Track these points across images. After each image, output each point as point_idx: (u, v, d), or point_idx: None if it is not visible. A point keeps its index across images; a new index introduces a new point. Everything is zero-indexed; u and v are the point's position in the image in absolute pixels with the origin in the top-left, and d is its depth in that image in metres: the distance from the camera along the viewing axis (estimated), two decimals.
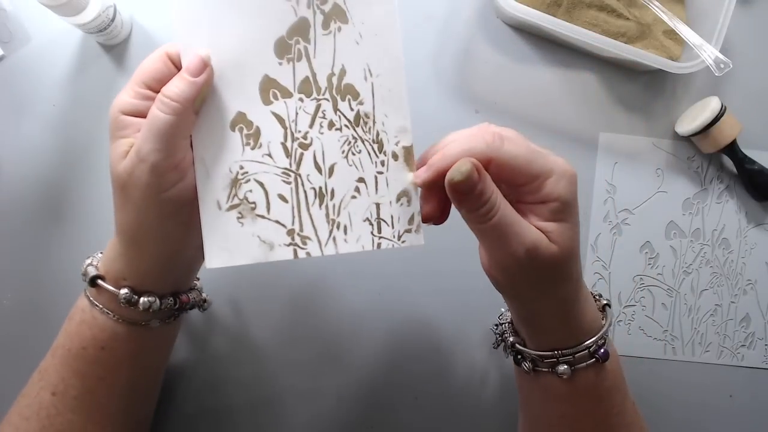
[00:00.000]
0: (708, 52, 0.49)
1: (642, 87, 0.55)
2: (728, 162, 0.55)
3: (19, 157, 0.51)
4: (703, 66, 0.49)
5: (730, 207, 0.55)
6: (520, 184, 0.33)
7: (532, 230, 0.32)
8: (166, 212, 0.34)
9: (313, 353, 0.51)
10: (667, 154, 0.55)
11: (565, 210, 0.33)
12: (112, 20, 0.49)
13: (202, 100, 0.34)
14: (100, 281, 0.37)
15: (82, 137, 0.51)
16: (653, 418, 0.43)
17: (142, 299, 0.36)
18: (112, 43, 0.52)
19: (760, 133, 0.55)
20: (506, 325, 0.44)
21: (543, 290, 0.35)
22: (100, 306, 0.37)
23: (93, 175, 0.51)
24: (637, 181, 0.55)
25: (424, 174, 0.33)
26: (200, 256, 0.38)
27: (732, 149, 0.53)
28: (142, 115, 0.33)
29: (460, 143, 0.32)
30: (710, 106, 0.52)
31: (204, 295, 0.45)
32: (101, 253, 0.39)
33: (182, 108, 0.32)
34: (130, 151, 0.33)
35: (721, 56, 0.49)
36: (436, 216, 0.36)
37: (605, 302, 0.40)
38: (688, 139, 0.55)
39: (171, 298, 0.39)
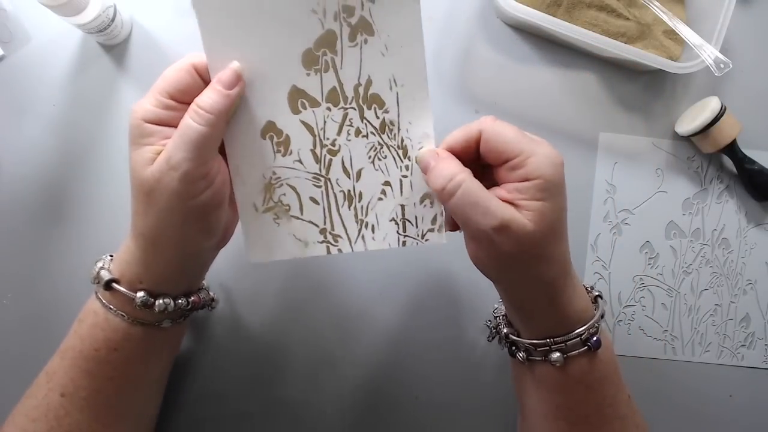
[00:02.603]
0: (708, 52, 0.49)
1: (642, 87, 0.55)
2: (728, 162, 0.55)
3: (19, 157, 0.51)
4: (703, 66, 0.49)
5: (730, 207, 0.55)
6: (504, 160, 0.35)
7: (503, 209, 0.34)
8: (191, 218, 0.35)
9: (313, 354, 0.51)
10: (667, 154, 0.55)
11: (547, 189, 0.34)
12: (112, 20, 0.49)
13: (233, 112, 0.35)
14: (115, 285, 0.37)
15: (83, 137, 0.51)
16: (653, 417, 0.43)
17: (158, 301, 0.37)
18: (112, 43, 0.52)
19: (760, 133, 0.55)
20: (500, 317, 0.44)
21: (523, 271, 0.35)
22: (114, 309, 0.37)
23: (93, 175, 0.51)
24: (637, 181, 0.55)
25: (438, 148, 0.38)
26: (212, 258, 0.40)
27: (732, 149, 0.53)
28: (165, 123, 0.34)
29: (463, 126, 0.37)
30: (710, 106, 0.52)
31: (212, 294, 0.46)
32: (110, 255, 0.39)
33: (216, 120, 0.33)
34: (156, 158, 0.33)
35: (721, 56, 0.49)
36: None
37: (597, 293, 0.41)
38: (688, 139, 0.55)
39: (183, 299, 0.39)
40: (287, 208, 0.37)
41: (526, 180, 0.34)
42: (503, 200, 0.34)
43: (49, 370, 0.39)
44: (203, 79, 0.34)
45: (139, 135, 0.34)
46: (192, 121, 0.33)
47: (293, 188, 0.37)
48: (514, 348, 0.41)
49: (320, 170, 0.37)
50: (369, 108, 0.37)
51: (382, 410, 0.51)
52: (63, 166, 0.51)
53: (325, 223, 0.38)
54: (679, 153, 0.55)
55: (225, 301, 0.51)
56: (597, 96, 0.55)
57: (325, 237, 0.38)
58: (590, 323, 0.37)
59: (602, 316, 0.38)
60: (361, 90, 0.36)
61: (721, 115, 0.51)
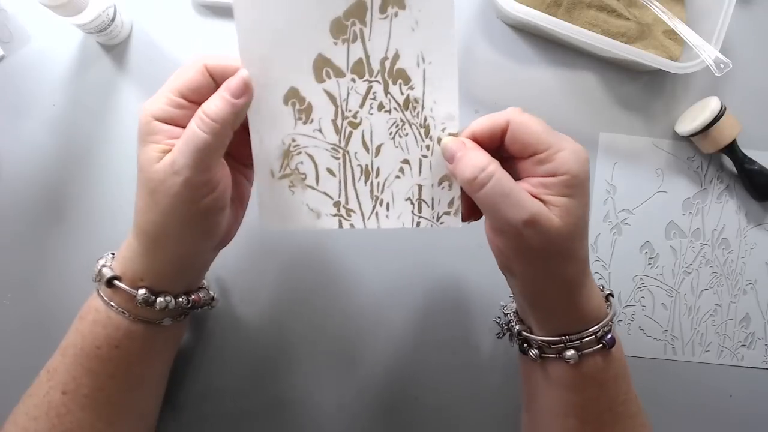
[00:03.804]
0: (708, 52, 0.49)
1: (642, 87, 0.55)
2: (728, 162, 0.55)
3: (19, 157, 0.51)
4: (703, 66, 0.49)
5: (730, 207, 0.55)
6: (531, 153, 0.34)
7: (533, 202, 0.33)
8: (192, 220, 0.35)
9: (313, 353, 0.51)
10: (667, 154, 0.55)
11: (574, 185, 0.33)
12: (112, 20, 0.49)
13: (240, 119, 0.35)
14: (116, 282, 0.37)
15: (83, 137, 0.51)
16: (653, 417, 0.43)
17: (158, 299, 0.37)
18: (112, 43, 0.52)
19: (760, 133, 0.55)
20: (511, 314, 0.44)
21: (546, 267, 0.35)
22: (116, 306, 0.37)
23: (93, 175, 0.51)
24: (637, 181, 0.55)
25: (461, 134, 0.37)
26: (212, 257, 0.40)
27: (732, 149, 0.53)
28: (175, 122, 0.34)
29: (488, 115, 0.36)
30: (710, 106, 0.52)
31: (212, 293, 0.46)
32: (112, 253, 0.39)
33: (220, 128, 0.33)
34: (163, 157, 0.33)
35: (721, 56, 0.49)
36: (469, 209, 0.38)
37: (608, 292, 0.40)
38: (688, 139, 0.55)
39: (184, 297, 0.40)
40: (303, 176, 0.37)
41: (554, 175, 0.34)
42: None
43: (50, 368, 0.39)
44: (215, 80, 0.34)
45: (147, 132, 0.34)
46: (197, 128, 0.33)
47: (311, 157, 0.37)
48: (525, 345, 0.41)
49: (339, 142, 0.37)
50: (394, 83, 0.36)
51: (382, 410, 0.51)
52: (63, 166, 0.51)
53: (339, 196, 0.37)
54: (679, 153, 0.55)
55: (224, 299, 0.51)
56: (597, 96, 0.55)
57: (339, 210, 0.38)
58: (605, 321, 0.37)
59: (615, 314, 0.38)
60: (387, 64, 0.36)
61: (721, 115, 0.51)
